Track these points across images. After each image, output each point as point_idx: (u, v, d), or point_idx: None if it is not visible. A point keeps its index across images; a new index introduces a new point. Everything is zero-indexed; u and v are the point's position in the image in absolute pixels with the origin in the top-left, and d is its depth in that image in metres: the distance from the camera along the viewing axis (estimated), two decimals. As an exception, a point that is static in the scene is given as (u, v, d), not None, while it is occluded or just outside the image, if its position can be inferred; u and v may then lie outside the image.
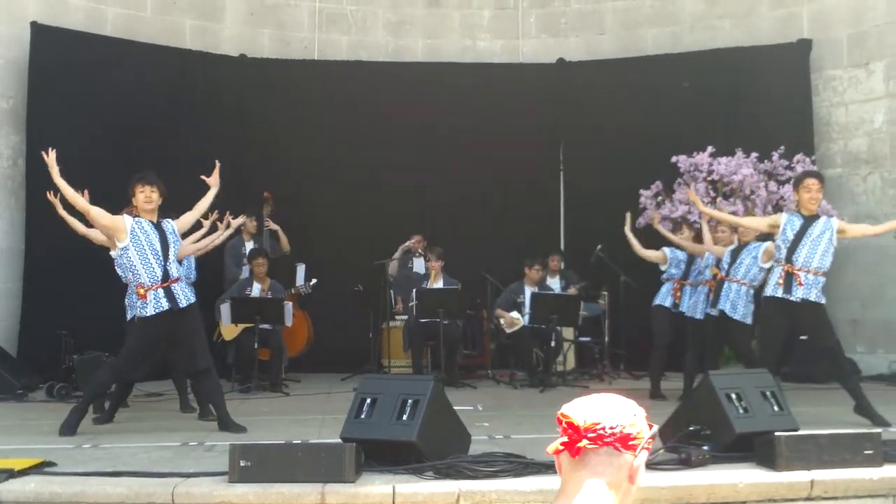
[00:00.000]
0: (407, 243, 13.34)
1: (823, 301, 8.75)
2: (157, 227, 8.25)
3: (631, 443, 2.27)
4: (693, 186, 12.41)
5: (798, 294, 8.60)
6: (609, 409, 2.30)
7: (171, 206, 12.72)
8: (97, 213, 8.22)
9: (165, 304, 8.13)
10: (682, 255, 10.84)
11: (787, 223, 8.79)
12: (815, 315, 8.75)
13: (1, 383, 11.14)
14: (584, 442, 2.25)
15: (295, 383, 12.18)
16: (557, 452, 2.30)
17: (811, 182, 8.85)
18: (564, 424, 2.28)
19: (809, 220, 8.71)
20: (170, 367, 10.06)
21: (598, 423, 2.26)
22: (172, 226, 8.44)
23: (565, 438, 2.28)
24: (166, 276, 8.15)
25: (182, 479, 5.91)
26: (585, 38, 15.39)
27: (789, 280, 8.64)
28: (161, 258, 8.14)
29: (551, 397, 11.01)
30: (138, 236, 8.10)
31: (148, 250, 8.11)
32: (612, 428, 2.26)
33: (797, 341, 9.42)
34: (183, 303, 8.22)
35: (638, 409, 2.32)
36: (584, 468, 2.26)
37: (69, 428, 8.02)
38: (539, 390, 11.50)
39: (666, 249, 11.01)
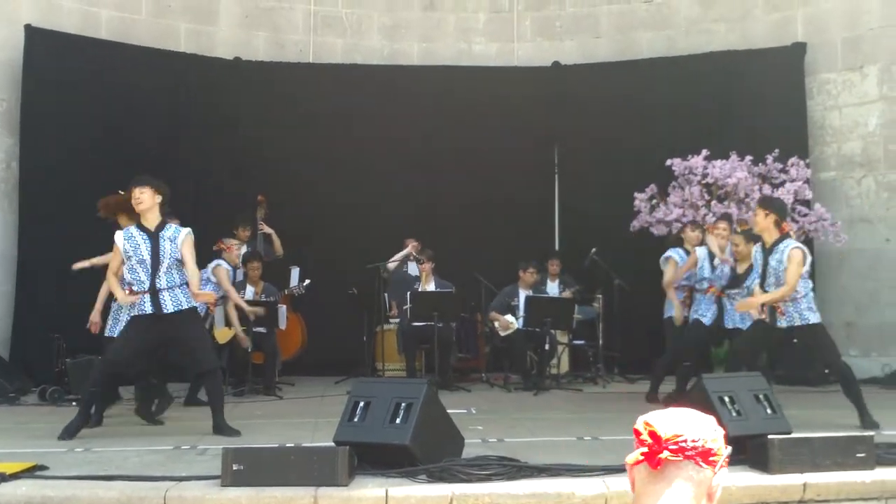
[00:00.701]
0: (406, 251, 13.26)
1: (813, 320, 8.59)
2: (152, 235, 8.14)
3: (711, 458, 2.20)
4: (688, 190, 12.43)
5: (782, 323, 8.58)
6: (691, 422, 2.23)
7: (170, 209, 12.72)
8: (116, 261, 8.24)
9: (148, 309, 8.06)
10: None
11: (755, 257, 8.88)
12: (810, 335, 8.67)
13: (-7, 387, 11.14)
14: (666, 454, 2.18)
15: (289, 387, 12.17)
16: (637, 463, 2.23)
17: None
18: (645, 434, 2.22)
19: (769, 251, 8.62)
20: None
21: (680, 436, 2.19)
22: (177, 235, 8.16)
23: (645, 449, 2.21)
24: (153, 286, 8.06)
25: (174, 483, 5.89)
26: (580, 42, 15.39)
27: (772, 312, 8.62)
28: (149, 268, 8.06)
29: (545, 400, 11.03)
30: (127, 251, 8.05)
31: (135, 262, 8.04)
32: (694, 441, 2.19)
33: (790, 345, 9.38)
34: (170, 308, 8.11)
35: (718, 427, 2.26)
36: (662, 481, 2.19)
37: (69, 433, 7.97)
38: (533, 393, 11.50)
39: (675, 257, 10.72)
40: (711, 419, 2.27)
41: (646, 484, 2.22)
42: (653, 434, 2.20)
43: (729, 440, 6.40)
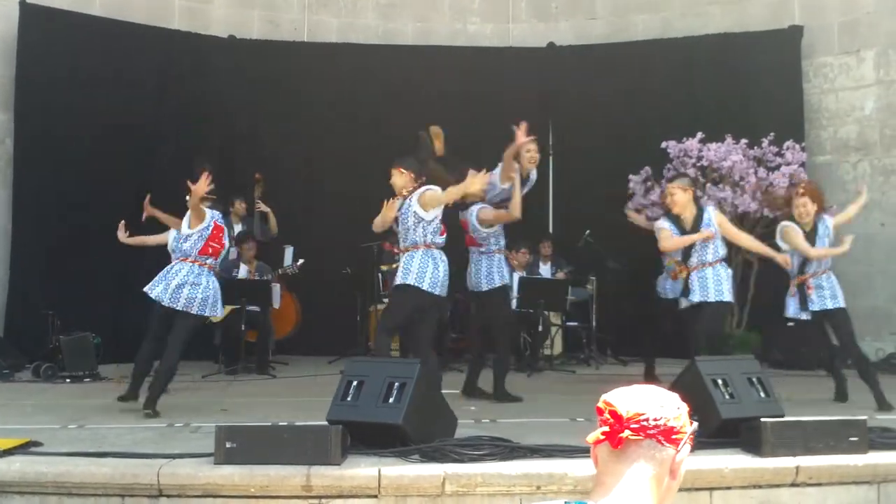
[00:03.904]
0: None
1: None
2: None
3: (674, 437, 2.19)
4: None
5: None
6: (654, 400, 2.22)
7: (157, 187, 12.69)
8: None
9: None
10: None
11: None
12: None
13: (-13, 363, 11.14)
14: (627, 433, 2.17)
15: (282, 366, 12.17)
16: (598, 443, 2.22)
17: None
18: (607, 413, 2.21)
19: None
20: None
21: (641, 414, 2.18)
22: None
23: (606, 428, 2.20)
24: None
25: (167, 460, 5.90)
26: (576, 23, 15.34)
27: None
28: None
29: (538, 382, 11.05)
30: None
31: None
32: (655, 420, 2.18)
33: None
34: None
35: (682, 404, 2.25)
36: (624, 460, 2.19)
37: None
38: (526, 375, 11.52)
39: None
40: (675, 396, 2.26)
41: (607, 463, 2.21)
42: (613, 413, 2.19)
43: (721, 423, 6.42)
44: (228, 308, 11.63)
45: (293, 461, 5.75)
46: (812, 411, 7.23)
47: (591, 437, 2.22)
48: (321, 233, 13.71)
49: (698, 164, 12.37)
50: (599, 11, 15.33)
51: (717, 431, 6.48)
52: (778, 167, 12.09)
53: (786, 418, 6.45)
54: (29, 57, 12.66)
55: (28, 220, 12.54)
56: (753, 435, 6.21)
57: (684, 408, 2.25)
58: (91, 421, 7.73)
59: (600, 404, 2.23)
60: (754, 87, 13.63)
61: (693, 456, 6.24)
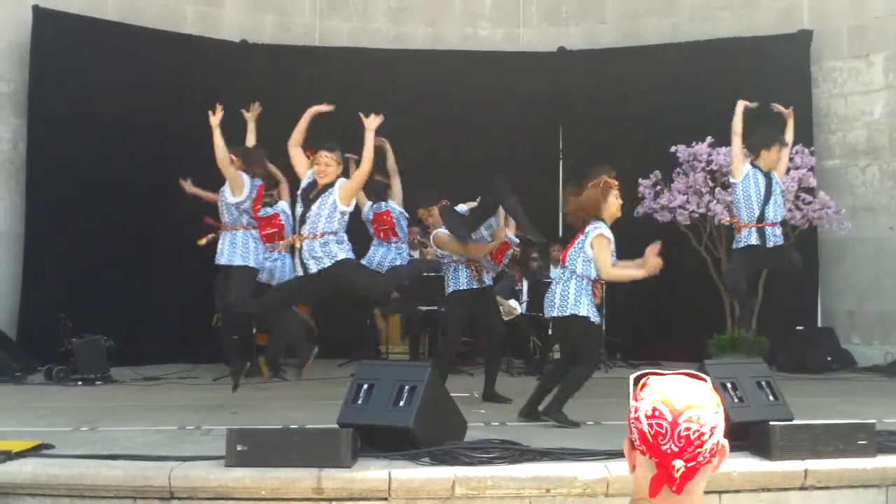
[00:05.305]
0: None
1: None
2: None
3: (720, 448, 2.15)
4: (692, 176, 12.44)
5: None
6: (704, 437, 2.12)
7: (167, 189, 12.73)
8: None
9: None
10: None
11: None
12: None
13: None
14: (680, 471, 2.08)
15: (293, 368, 12.19)
16: (658, 488, 2.10)
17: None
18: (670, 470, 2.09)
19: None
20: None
21: (697, 454, 2.10)
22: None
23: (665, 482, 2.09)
24: None
25: (179, 463, 5.93)
26: (586, 28, 15.37)
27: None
28: None
29: (548, 385, 11.05)
30: None
31: None
32: (710, 452, 2.12)
33: None
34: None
35: (718, 407, 2.17)
36: (687, 495, 2.11)
37: None
38: (536, 378, 11.52)
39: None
40: (711, 402, 2.17)
41: (667, 493, 2.11)
42: (673, 470, 2.09)
43: (730, 426, 6.45)
44: None
45: (304, 464, 5.78)
46: (820, 415, 7.25)
47: (652, 491, 2.11)
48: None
49: (707, 168, 12.39)
50: (609, 16, 15.35)
51: (725, 435, 6.49)
52: (787, 171, 12.09)
53: (795, 422, 6.47)
54: (42, 62, 12.72)
55: (41, 224, 12.59)
56: (762, 438, 6.23)
57: (720, 409, 2.18)
58: (103, 423, 7.76)
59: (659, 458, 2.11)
60: (763, 92, 13.56)
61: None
